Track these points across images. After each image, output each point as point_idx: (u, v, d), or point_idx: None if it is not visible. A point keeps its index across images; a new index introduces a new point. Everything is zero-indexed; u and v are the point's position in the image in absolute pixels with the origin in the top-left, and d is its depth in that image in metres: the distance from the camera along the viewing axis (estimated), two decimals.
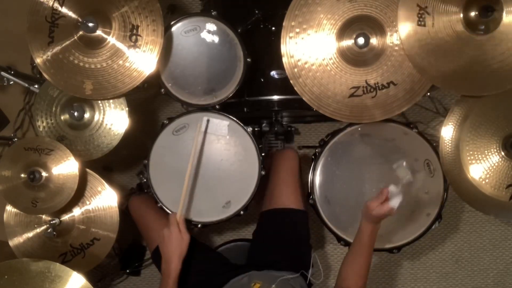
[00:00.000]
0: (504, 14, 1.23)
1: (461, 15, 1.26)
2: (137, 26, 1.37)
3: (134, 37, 1.37)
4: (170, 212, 1.52)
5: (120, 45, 1.38)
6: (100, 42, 1.39)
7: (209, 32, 1.48)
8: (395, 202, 1.24)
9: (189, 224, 1.54)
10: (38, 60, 1.41)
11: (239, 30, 1.49)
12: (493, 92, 1.31)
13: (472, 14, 1.25)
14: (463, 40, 1.27)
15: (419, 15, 1.29)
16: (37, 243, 1.62)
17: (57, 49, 1.40)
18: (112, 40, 1.38)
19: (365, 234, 1.27)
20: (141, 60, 1.38)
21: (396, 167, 1.31)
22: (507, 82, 1.27)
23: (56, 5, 1.38)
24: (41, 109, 1.62)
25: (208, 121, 1.50)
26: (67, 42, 1.39)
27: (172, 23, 1.47)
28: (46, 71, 1.41)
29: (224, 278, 1.40)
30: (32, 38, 1.40)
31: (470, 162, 1.40)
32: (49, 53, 1.40)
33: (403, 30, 1.30)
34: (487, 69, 1.27)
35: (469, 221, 2.11)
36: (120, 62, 1.39)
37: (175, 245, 1.35)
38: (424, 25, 1.29)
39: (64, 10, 1.38)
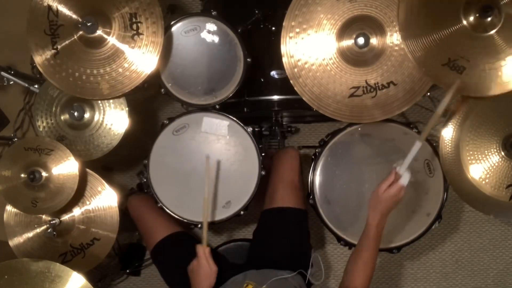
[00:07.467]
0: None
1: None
2: (135, 14, 1.36)
3: (134, 25, 1.36)
4: (170, 212, 1.53)
5: (122, 36, 1.38)
6: (102, 40, 1.38)
7: (209, 32, 1.48)
8: (404, 180, 1.24)
9: (189, 224, 1.55)
10: (50, 75, 1.39)
11: (239, 30, 1.49)
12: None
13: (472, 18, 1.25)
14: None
15: (452, 66, 1.25)
16: (37, 243, 1.62)
17: (65, 58, 1.39)
18: (114, 35, 1.38)
19: (372, 226, 1.25)
20: (149, 44, 1.38)
21: (396, 167, 1.31)
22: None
23: (52, 16, 1.36)
24: (41, 109, 1.62)
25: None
26: (73, 49, 1.38)
27: (172, 23, 1.47)
28: (60, 82, 1.40)
29: (223, 277, 1.40)
30: (39, 56, 1.38)
31: (470, 162, 1.40)
32: (58, 64, 1.38)
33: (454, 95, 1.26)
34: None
35: (469, 221, 2.11)
36: (128, 52, 1.38)
37: (204, 277, 1.36)
38: (464, 68, 1.26)
39: (60, 18, 1.37)
